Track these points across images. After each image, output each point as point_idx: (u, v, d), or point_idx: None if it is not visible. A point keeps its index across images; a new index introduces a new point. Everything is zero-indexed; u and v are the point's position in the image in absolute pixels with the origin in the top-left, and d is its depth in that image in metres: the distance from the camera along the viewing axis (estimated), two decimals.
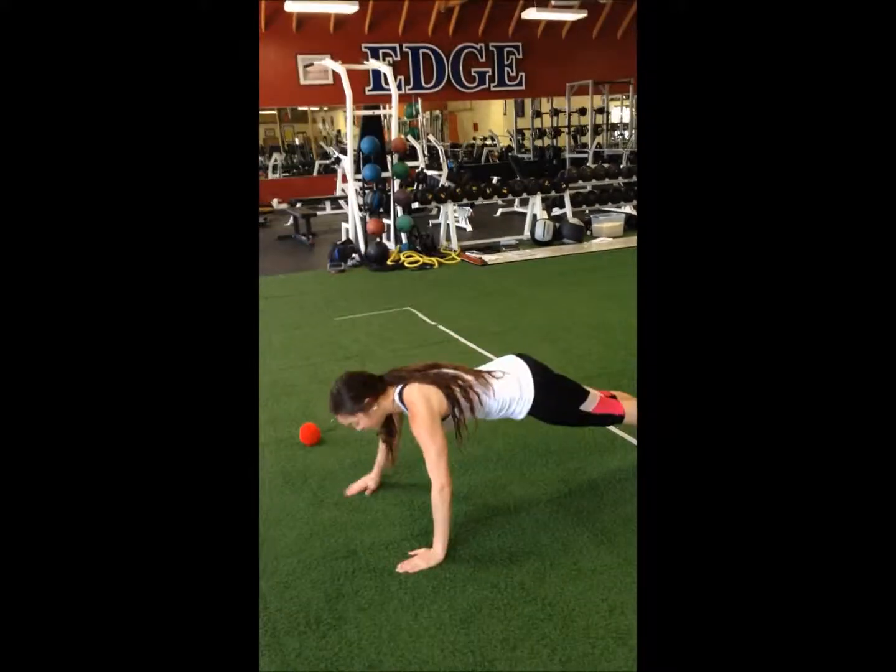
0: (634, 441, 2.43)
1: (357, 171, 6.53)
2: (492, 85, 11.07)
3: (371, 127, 7.27)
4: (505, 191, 7.04)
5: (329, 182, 10.67)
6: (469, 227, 7.88)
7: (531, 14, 9.72)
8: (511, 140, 13.65)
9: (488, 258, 6.14)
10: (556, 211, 7.52)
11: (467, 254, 6.35)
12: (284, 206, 9.87)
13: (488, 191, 6.96)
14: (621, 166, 8.18)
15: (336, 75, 7.78)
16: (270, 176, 12.01)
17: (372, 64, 8.20)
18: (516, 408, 2.02)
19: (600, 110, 11.50)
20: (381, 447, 2.22)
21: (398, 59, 10.28)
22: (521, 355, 2.10)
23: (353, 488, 2.25)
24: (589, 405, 2.06)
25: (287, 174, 12.69)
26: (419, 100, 10.00)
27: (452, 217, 6.72)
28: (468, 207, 7.93)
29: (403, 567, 1.84)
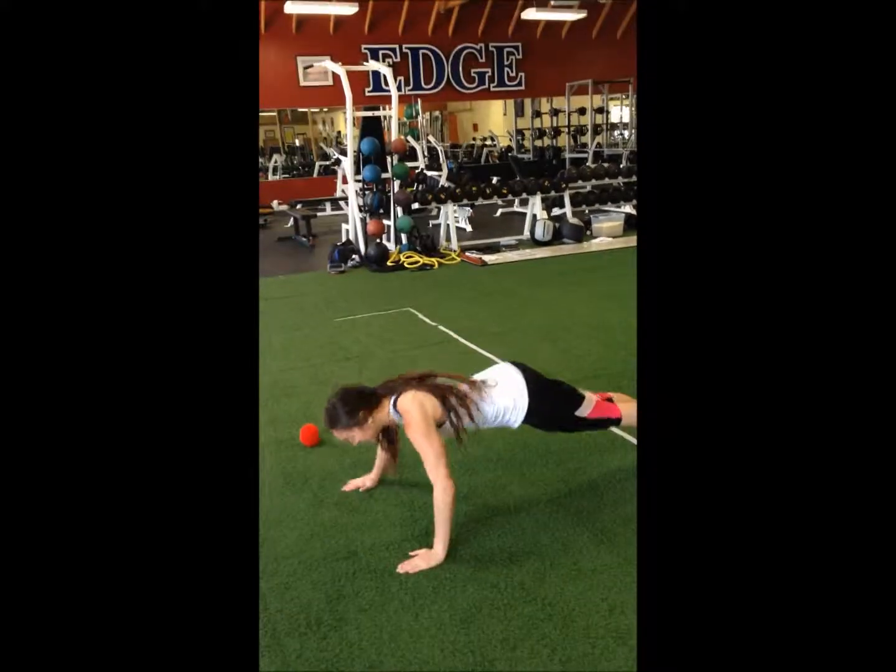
0: (634, 441, 2.43)
1: (357, 172, 6.53)
2: (491, 85, 11.06)
3: (371, 128, 7.26)
4: (505, 191, 7.04)
5: (329, 183, 10.69)
6: (469, 228, 7.88)
7: (531, 14, 9.73)
8: (511, 140, 13.65)
9: (488, 258, 6.14)
10: (556, 211, 7.52)
11: (467, 254, 6.34)
12: (284, 207, 9.88)
13: (488, 191, 6.96)
14: (621, 166, 8.18)
15: (336, 76, 7.78)
16: (270, 177, 12.01)
17: (372, 65, 8.20)
18: (511, 416, 2.02)
19: (600, 110, 11.50)
20: (381, 452, 2.22)
21: (398, 59, 10.28)
22: (514, 363, 2.09)
23: (351, 485, 2.27)
24: (584, 410, 2.04)
25: (287, 175, 12.70)
26: (419, 100, 10.01)
27: (452, 217, 6.72)
28: (468, 208, 7.93)
29: (404, 567, 1.84)
